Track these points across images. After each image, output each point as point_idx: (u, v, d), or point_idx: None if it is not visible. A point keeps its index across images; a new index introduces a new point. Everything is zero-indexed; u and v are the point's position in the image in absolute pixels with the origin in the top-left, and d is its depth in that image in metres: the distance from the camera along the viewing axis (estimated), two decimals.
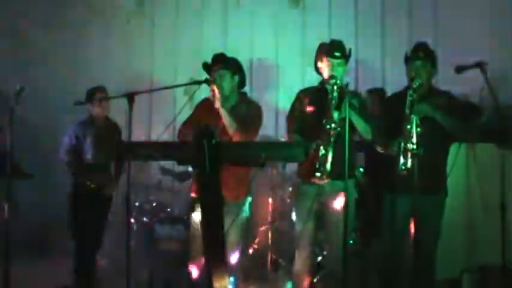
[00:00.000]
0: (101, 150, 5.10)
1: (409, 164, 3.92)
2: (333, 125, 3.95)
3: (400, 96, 4.20)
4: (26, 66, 6.78)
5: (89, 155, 5.12)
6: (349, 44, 6.31)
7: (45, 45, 6.91)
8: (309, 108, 4.26)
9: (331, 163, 4.00)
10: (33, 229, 6.39)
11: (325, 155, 3.98)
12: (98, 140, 5.12)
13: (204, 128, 3.35)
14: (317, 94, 4.27)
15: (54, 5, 7.04)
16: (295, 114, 4.35)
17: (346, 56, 4.23)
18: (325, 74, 4.21)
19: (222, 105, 4.17)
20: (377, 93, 5.65)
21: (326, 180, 4.03)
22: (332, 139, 3.99)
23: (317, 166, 4.01)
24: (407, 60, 4.29)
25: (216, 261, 3.46)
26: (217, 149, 3.31)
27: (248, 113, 4.29)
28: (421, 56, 4.24)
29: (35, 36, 6.89)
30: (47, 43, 6.91)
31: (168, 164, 6.05)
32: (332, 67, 4.18)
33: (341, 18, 6.61)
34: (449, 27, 6.12)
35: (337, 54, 4.19)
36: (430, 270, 4.21)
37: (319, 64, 4.30)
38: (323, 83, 4.28)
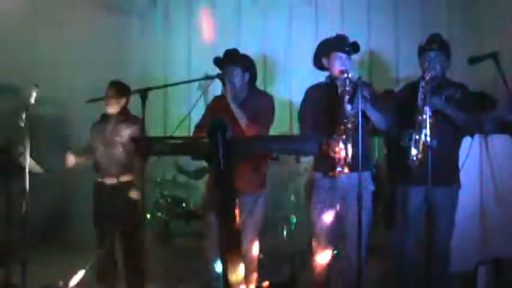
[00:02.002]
0: (106, 147, 5.06)
1: (420, 156, 3.93)
2: (352, 119, 3.95)
3: (413, 87, 4.19)
4: (39, 65, 6.82)
5: (99, 153, 5.09)
6: (362, 37, 6.39)
7: (59, 43, 6.94)
8: (320, 105, 4.27)
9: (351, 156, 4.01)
10: (50, 224, 6.45)
11: (345, 149, 3.99)
12: (108, 138, 5.08)
13: (218, 122, 3.37)
14: (327, 90, 4.28)
15: (65, 4, 7.07)
16: (306, 112, 4.33)
17: (355, 50, 4.23)
18: (334, 69, 4.20)
19: (233, 101, 4.19)
20: (390, 94, 5.61)
21: (346, 174, 4.03)
22: (350, 132, 3.99)
23: (337, 160, 4.03)
24: (421, 51, 4.28)
25: (231, 255, 3.49)
26: (231, 143, 3.33)
27: (259, 105, 4.30)
28: (435, 47, 4.22)
29: (48, 35, 6.92)
30: (61, 41, 6.94)
31: (183, 162, 6.08)
32: (341, 61, 4.18)
33: (354, 12, 6.60)
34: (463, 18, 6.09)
35: (347, 48, 4.19)
36: (444, 261, 4.21)
37: (325, 60, 4.29)
38: (331, 78, 4.28)
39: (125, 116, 5.04)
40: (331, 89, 4.20)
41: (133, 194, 4.81)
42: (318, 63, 4.35)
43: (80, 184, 5.33)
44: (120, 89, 4.99)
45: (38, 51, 6.80)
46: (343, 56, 4.19)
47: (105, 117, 5.10)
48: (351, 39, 4.26)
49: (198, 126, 4.42)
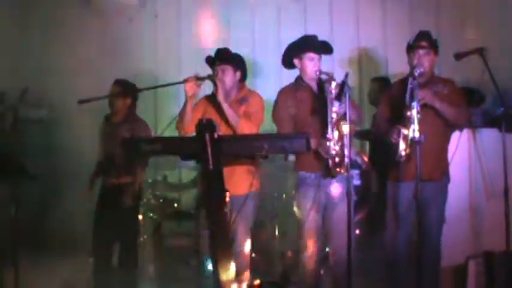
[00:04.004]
0: (107, 147, 5.02)
1: (407, 151, 3.96)
2: (340, 118, 3.97)
3: (402, 83, 4.22)
4: (28, 66, 6.79)
5: (102, 155, 5.03)
6: (351, 34, 6.40)
7: (48, 45, 6.92)
8: (302, 106, 4.31)
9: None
10: (41, 228, 6.43)
11: (341, 150, 4.03)
12: (108, 137, 5.03)
13: (206, 122, 3.38)
14: (304, 90, 4.34)
15: (54, 4, 7.04)
16: (283, 113, 4.35)
17: (327, 50, 4.35)
18: (308, 69, 4.29)
19: (224, 100, 4.20)
20: (380, 81, 5.67)
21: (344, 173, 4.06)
22: (343, 132, 4.01)
23: (331, 162, 4.07)
24: (410, 48, 4.30)
25: (222, 254, 3.50)
26: (219, 142, 3.34)
27: (251, 104, 4.33)
28: (424, 44, 4.25)
29: (37, 37, 6.89)
30: (49, 42, 6.92)
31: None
32: (314, 62, 4.28)
33: (342, 9, 6.60)
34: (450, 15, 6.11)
35: (320, 49, 4.30)
36: (435, 256, 4.24)
37: (296, 60, 4.36)
38: (302, 78, 4.36)
39: (127, 116, 4.97)
40: (306, 90, 4.30)
41: (127, 200, 4.78)
42: (288, 64, 4.40)
43: (70, 187, 5.31)
44: (124, 87, 4.92)
45: (27, 54, 6.79)
46: (316, 56, 4.28)
47: (108, 118, 5.06)
48: (320, 39, 4.37)
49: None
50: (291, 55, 4.38)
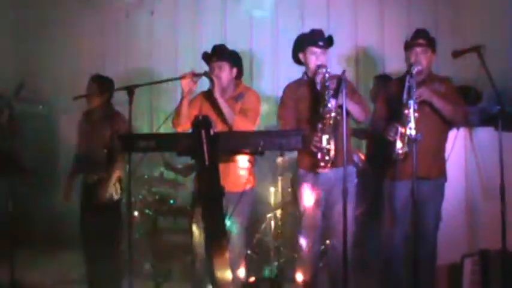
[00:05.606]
0: (87, 143, 4.98)
1: (405, 149, 3.95)
2: (333, 114, 3.95)
3: (400, 81, 4.21)
4: (24, 62, 6.78)
5: (82, 151, 4.99)
6: (349, 32, 6.39)
7: (44, 41, 6.90)
8: (302, 102, 4.29)
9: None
10: (37, 222, 6.43)
11: (328, 144, 4.00)
12: (88, 133, 4.95)
13: (202, 118, 3.38)
14: (305, 85, 4.32)
15: (52, 1, 7.03)
16: (286, 109, 4.35)
17: (330, 44, 4.30)
18: (311, 64, 4.26)
19: (221, 96, 4.20)
20: (383, 79, 5.65)
21: (330, 169, 4.04)
22: (333, 127, 4.00)
23: (320, 155, 4.03)
24: (407, 46, 4.30)
25: (217, 252, 3.49)
26: (215, 139, 3.34)
27: (247, 101, 4.32)
28: (421, 42, 4.25)
29: (34, 32, 6.88)
30: (45, 38, 6.90)
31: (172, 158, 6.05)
32: (316, 56, 4.24)
33: (340, 7, 6.59)
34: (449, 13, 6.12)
35: (321, 43, 4.26)
36: (431, 254, 4.25)
37: (301, 55, 4.34)
38: (307, 73, 4.34)
39: (107, 112, 4.94)
40: (309, 85, 4.25)
41: (103, 194, 4.73)
42: (296, 59, 4.39)
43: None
44: (101, 83, 4.89)
45: (23, 50, 6.78)
46: (318, 50, 4.25)
47: (87, 114, 5.03)
48: (326, 34, 4.33)
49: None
50: (297, 50, 4.37)
